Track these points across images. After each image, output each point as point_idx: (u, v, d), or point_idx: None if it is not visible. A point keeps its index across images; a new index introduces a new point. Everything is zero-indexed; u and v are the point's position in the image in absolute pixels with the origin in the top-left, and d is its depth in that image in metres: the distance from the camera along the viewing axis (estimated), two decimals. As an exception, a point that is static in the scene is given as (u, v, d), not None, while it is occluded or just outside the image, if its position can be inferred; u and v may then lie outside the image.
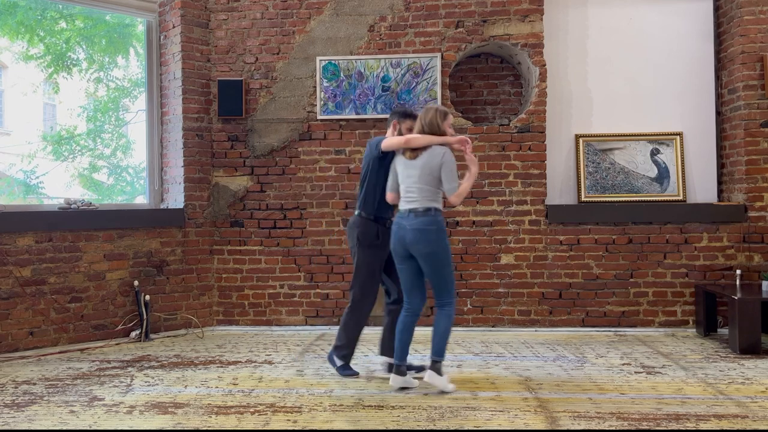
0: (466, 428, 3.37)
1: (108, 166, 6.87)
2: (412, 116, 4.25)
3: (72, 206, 5.40)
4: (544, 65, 5.78)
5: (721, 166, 5.99)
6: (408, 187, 4.02)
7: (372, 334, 5.68)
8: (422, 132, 4.04)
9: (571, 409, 3.65)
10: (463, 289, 5.82)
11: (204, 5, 6.01)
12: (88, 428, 3.42)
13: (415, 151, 4.01)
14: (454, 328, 5.78)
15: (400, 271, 4.10)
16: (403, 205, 4.06)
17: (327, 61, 5.91)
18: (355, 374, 4.36)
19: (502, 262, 5.81)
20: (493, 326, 5.79)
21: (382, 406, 3.72)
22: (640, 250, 5.74)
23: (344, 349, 4.40)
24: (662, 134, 5.95)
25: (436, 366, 3.97)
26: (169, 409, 3.70)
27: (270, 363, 4.74)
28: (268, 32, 6.01)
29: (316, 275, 5.93)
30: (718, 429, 3.33)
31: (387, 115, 5.80)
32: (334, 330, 5.82)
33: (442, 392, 3.95)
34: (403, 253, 4.03)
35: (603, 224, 5.77)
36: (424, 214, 3.96)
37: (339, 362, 4.40)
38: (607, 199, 5.89)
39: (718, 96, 6.00)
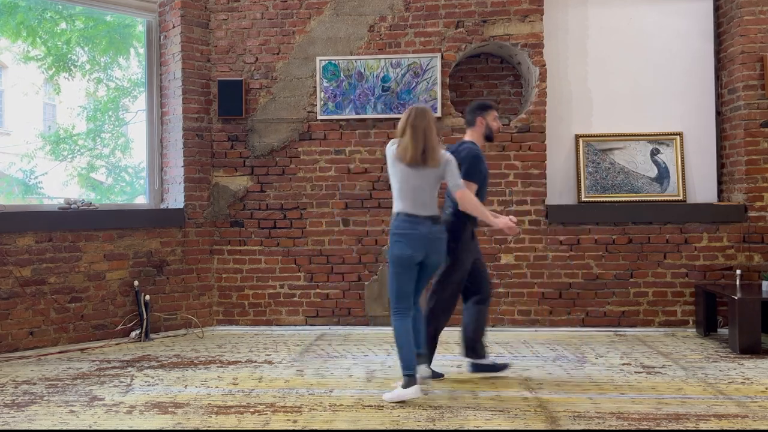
0: (466, 428, 3.37)
1: (107, 165, 6.87)
2: (492, 107, 4.36)
3: (72, 206, 5.40)
4: (544, 65, 5.78)
5: (721, 166, 5.99)
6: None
7: (372, 333, 5.68)
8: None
9: (571, 409, 3.65)
10: (463, 289, 5.82)
11: (204, 5, 6.01)
12: (88, 428, 3.42)
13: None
14: (454, 328, 5.79)
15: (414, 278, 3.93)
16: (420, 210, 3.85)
17: (327, 61, 5.91)
18: (441, 375, 4.32)
19: (502, 262, 5.81)
20: (493, 326, 5.79)
21: (382, 406, 3.72)
22: (640, 250, 5.74)
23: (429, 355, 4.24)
24: (662, 134, 5.95)
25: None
26: (169, 409, 3.70)
27: (270, 363, 4.74)
28: (268, 32, 6.01)
29: (316, 275, 5.93)
30: (718, 429, 3.33)
31: (386, 116, 5.83)
32: (335, 330, 5.82)
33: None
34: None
35: (603, 224, 5.77)
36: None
37: (429, 371, 4.21)
38: (607, 199, 5.88)
39: (718, 96, 6.00)
